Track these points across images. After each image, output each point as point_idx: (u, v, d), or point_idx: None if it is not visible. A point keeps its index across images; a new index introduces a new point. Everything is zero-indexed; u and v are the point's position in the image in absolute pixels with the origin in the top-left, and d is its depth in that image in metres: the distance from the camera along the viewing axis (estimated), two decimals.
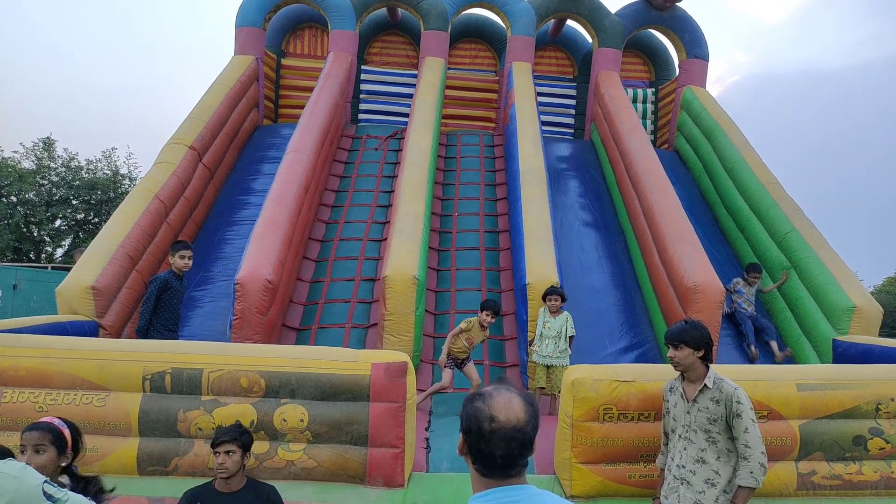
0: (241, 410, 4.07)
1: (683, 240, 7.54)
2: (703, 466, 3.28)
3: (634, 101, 12.40)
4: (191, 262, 6.21)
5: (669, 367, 3.56)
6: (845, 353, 6.53)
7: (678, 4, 11.66)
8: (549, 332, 6.24)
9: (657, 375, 4.03)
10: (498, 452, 1.47)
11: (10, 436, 4.06)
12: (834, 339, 6.75)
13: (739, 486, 3.20)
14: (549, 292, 6.33)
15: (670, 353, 3.40)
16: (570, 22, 12.33)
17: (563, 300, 6.35)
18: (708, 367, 3.39)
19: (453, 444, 4.89)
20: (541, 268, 6.88)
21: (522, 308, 6.82)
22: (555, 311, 6.28)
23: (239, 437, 3.39)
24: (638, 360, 7.19)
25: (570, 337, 6.27)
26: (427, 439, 5.03)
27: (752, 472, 3.18)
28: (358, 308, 7.69)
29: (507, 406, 1.50)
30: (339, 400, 4.15)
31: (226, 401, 4.11)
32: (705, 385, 3.34)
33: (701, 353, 3.36)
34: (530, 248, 7.24)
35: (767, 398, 4.00)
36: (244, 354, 4.26)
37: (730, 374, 4.15)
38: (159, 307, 5.87)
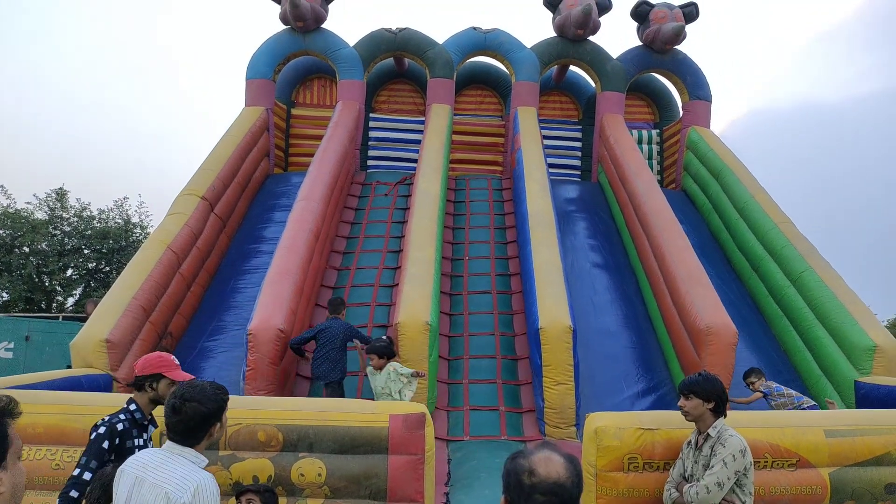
0: (258, 465, 4.01)
1: (694, 280, 7.51)
2: None
3: (640, 142, 12.52)
4: None
5: None
6: (868, 395, 6.42)
7: (677, 48, 11.89)
8: (376, 389, 5.89)
9: (682, 423, 3.94)
10: None
11: (27, 495, 4.00)
12: (856, 381, 6.64)
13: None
14: (368, 350, 6.02)
15: (680, 402, 3.57)
16: (572, 67, 12.56)
17: (388, 357, 5.96)
18: (717, 419, 3.50)
19: (473, 498, 4.79)
20: (553, 311, 6.85)
21: (536, 352, 6.77)
22: (378, 367, 5.92)
23: (262, 491, 3.38)
24: (656, 403, 7.09)
25: (411, 374, 5.89)
26: (447, 494, 4.93)
27: (697, 492, 3.34)
28: None
29: (546, 461, 1.51)
30: (357, 453, 4.09)
31: (243, 455, 4.05)
32: (708, 433, 3.48)
33: (711, 405, 3.47)
34: (542, 291, 7.22)
35: (796, 445, 3.92)
36: (262, 408, 4.23)
37: (755, 421, 4.10)
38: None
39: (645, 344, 8.11)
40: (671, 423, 4.01)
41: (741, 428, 3.69)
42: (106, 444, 3.05)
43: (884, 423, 4.11)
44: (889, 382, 6.34)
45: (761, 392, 6.56)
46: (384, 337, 6.35)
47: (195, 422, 2.45)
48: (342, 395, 6.58)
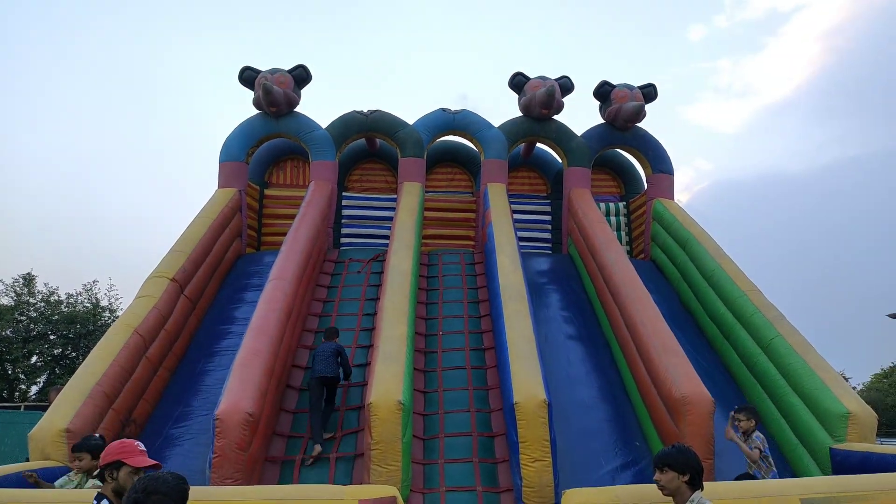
0: None
1: (668, 350, 7.53)
2: None
3: (607, 214, 12.84)
4: None
5: None
6: (844, 462, 6.38)
7: (638, 125, 12.40)
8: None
9: (659, 497, 3.87)
10: None
11: None
12: (831, 448, 6.62)
13: None
14: (74, 447, 5.07)
15: (656, 476, 3.53)
16: (539, 144, 12.99)
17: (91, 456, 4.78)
18: (694, 492, 3.46)
19: None
20: (528, 385, 6.76)
21: (512, 429, 6.63)
22: (87, 469, 4.84)
23: None
24: (635, 478, 6.94)
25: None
26: None
27: None
28: (344, 439, 7.43)
29: None
30: None
31: None
32: None
33: (686, 478, 3.45)
34: (515, 365, 7.15)
35: None
36: (224, 498, 4.05)
37: (732, 492, 4.04)
38: None
39: (622, 416, 8.02)
40: (649, 497, 3.95)
41: (718, 500, 3.65)
42: None
43: (859, 488, 4.08)
44: (863, 448, 6.32)
45: (759, 447, 6.01)
46: (97, 434, 5.38)
47: None
48: (335, 394, 7.69)
